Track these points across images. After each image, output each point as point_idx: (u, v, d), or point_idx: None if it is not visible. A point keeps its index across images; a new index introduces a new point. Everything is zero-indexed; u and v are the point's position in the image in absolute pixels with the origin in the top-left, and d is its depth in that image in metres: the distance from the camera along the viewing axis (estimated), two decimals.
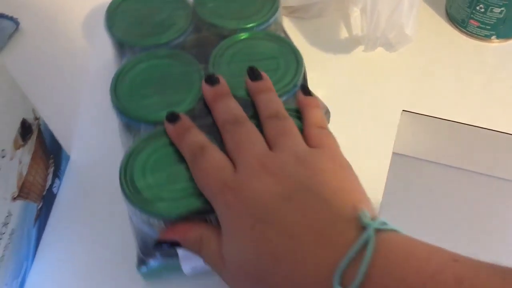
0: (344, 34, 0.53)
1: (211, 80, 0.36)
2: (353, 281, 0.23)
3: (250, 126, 0.33)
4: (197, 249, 0.31)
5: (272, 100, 0.35)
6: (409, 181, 0.54)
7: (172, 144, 0.35)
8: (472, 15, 0.50)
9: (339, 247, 0.25)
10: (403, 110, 0.47)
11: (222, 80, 0.37)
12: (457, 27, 0.52)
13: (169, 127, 0.35)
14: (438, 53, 0.51)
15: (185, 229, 0.32)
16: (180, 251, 0.34)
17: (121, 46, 0.42)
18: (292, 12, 0.53)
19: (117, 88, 0.38)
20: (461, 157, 0.52)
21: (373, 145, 0.45)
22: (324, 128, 0.35)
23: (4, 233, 0.34)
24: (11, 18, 0.52)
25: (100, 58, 0.51)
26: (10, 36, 0.52)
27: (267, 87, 0.36)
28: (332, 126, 0.38)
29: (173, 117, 0.35)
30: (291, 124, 0.34)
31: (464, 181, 0.54)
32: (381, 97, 0.48)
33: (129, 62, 0.40)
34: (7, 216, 0.34)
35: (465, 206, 0.56)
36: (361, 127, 0.46)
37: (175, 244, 0.32)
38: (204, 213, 0.32)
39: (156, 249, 0.33)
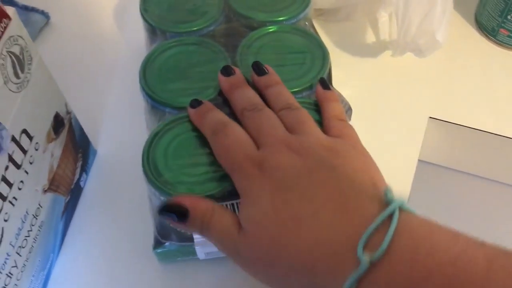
0: (371, 38, 0.53)
1: (227, 71, 0.37)
2: (377, 248, 0.23)
3: (269, 111, 0.33)
4: (207, 219, 0.30)
5: (282, 93, 0.35)
6: (435, 189, 0.54)
7: (195, 129, 0.36)
8: (502, 24, 0.49)
9: (363, 218, 0.24)
10: (430, 117, 0.47)
11: (237, 71, 0.37)
12: (486, 35, 0.52)
13: (192, 111, 0.35)
14: (466, 61, 0.51)
15: (196, 199, 0.31)
16: (196, 237, 0.34)
17: (153, 31, 0.43)
18: (320, 14, 0.53)
19: (146, 71, 0.39)
20: (488, 167, 0.52)
21: (398, 151, 0.44)
22: (344, 120, 0.34)
23: (34, 225, 0.35)
24: (42, 12, 0.53)
25: (129, 50, 0.52)
26: (41, 29, 0.52)
27: (275, 81, 0.36)
28: (356, 129, 0.38)
29: (196, 103, 0.36)
30: (306, 113, 0.34)
31: (490, 191, 0.54)
32: (407, 102, 0.48)
33: (159, 46, 0.41)
34: (37, 208, 0.35)
35: (491, 216, 0.56)
36: (386, 132, 0.46)
37: (182, 213, 0.30)
38: (223, 199, 0.33)
39: (161, 216, 0.31)
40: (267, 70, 0.37)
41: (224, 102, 0.38)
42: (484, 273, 0.21)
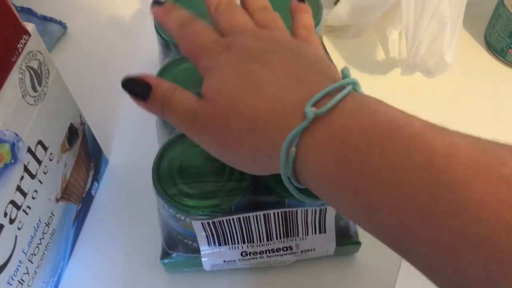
0: (381, 55, 0.54)
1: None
2: (324, 106, 0.24)
3: (242, 10, 0.34)
4: (168, 95, 0.30)
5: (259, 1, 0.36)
6: None
7: None
8: (511, 45, 0.50)
9: (318, 87, 0.25)
10: None
11: None
12: (495, 55, 0.52)
13: (155, 8, 0.35)
14: (475, 81, 0.51)
15: (160, 79, 0.32)
16: (203, 248, 0.35)
17: (167, 45, 0.44)
18: (331, 31, 0.54)
19: None
20: None
21: None
22: (312, 30, 0.35)
23: (46, 233, 0.36)
24: (59, 22, 0.54)
25: (143, 61, 0.53)
26: (58, 39, 0.54)
27: None
28: None
29: (158, 2, 0.35)
30: (279, 16, 0.34)
31: None
32: None
33: (172, 61, 0.41)
34: (50, 216, 0.36)
35: None
36: None
37: (145, 89, 0.31)
38: (230, 213, 0.34)
39: (124, 89, 0.32)
40: None
41: None
42: (416, 130, 0.22)
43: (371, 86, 0.52)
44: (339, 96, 0.24)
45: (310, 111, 0.24)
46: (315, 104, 0.25)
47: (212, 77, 0.29)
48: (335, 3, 0.52)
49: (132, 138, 0.48)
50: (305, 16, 0.35)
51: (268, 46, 0.29)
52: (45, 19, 0.54)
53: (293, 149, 0.25)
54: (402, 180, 0.21)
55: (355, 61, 0.53)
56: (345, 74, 0.27)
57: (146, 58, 0.52)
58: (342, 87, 0.25)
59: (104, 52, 0.54)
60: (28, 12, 0.54)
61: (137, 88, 0.31)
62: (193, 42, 0.32)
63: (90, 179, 0.42)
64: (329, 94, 0.25)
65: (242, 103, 0.27)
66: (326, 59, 0.32)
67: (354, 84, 0.26)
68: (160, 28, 0.44)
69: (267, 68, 0.28)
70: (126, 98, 0.51)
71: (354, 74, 0.52)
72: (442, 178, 0.20)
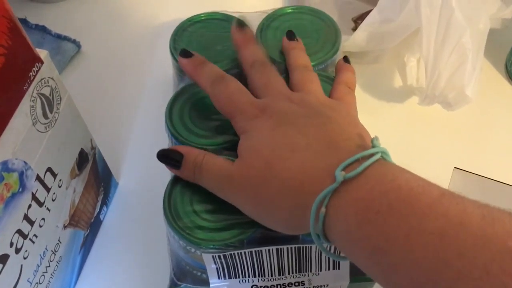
0: (398, 82, 0.53)
1: (240, 24, 0.39)
2: (353, 171, 0.26)
3: (277, 72, 0.36)
4: (199, 160, 0.33)
5: (302, 56, 0.39)
6: None
7: None
8: None
9: (348, 154, 0.27)
10: (455, 167, 0.46)
11: (248, 26, 0.40)
12: None
13: (183, 61, 0.37)
14: (495, 111, 0.50)
15: (190, 148, 0.35)
16: (212, 280, 0.34)
17: (181, 69, 0.43)
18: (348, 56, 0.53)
19: (172, 110, 0.39)
20: None
21: None
22: (353, 89, 0.38)
23: (52, 261, 0.35)
24: (73, 41, 0.54)
25: (156, 84, 0.52)
26: (72, 58, 0.54)
27: (300, 47, 0.40)
28: None
29: (187, 53, 0.37)
30: (316, 77, 0.37)
31: None
32: (433, 151, 0.47)
33: (186, 86, 0.41)
34: (57, 244, 0.35)
35: None
36: None
37: (177, 159, 0.34)
38: (242, 247, 0.33)
39: (160, 159, 0.35)
40: (298, 39, 0.40)
41: None
42: (433, 198, 0.24)
43: (388, 113, 0.51)
44: (367, 163, 0.26)
45: (340, 174, 0.26)
46: (345, 169, 0.27)
47: (249, 139, 0.32)
48: (353, 30, 0.52)
49: (142, 161, 0.47)
50: (348, 74, 0.39)
51: (302, 111, 0.32)
52: (59, 37, 0.54)
53: (323, 209, 0.27)
54: (417, 244, 0.23)
55: (372, 87, 0.52)
56: (374, 143, 0.28)
57: (160, 80, 0.52)
58: (371, 154, 0.27)
59: (117, 72, 0.54)
60: (43, 30, 0.54)
61: (170, 158, 0.34)
62: (228, 101, 0.34)
63: (99, 203, 0.41)
64: (358, 160, 0.27)
65: (277, 165, 0.29)
66: (358, 120, 0.34)
67: (383, 153, 0.28)
68: (175, 51, 0.43)
69: (300, 133, 0.30)
70: (138, 120, 0.51)
71: (371, 101, 0.51)
72: (453, 245, 0.22)
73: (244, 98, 0.34)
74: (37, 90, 0.29)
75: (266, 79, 0.35)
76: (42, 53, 0.29)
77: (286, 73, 0.41)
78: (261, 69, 0.36)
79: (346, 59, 0.41)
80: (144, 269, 0.41)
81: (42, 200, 0.32)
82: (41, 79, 0.30)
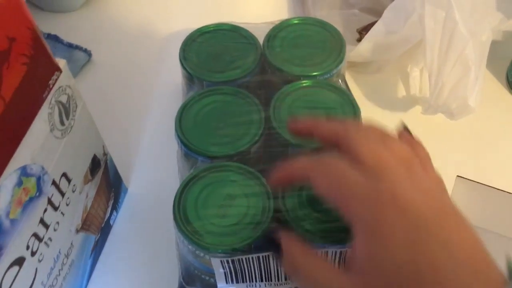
0: (401, 92, 0.54)
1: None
2: None
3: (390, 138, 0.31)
4: (299, 262, 0.29)
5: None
6: None
7: (226, 180, 0.36)
8: None
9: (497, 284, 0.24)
10: (458, 176, 0.47)
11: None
12: None
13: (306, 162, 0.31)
14: (496, 121, 0.51)
15: (290, 242, 0.30)
16: (220, 285, 0.35)
17: (191, 78, 0.44)
18: (352, 66, 0.54)
19: (182, 118, 0.40)
20: None
21: None
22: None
23: (65, 264, 0.36)
24: (85, 50, 0.55)
25: (166, 91, 0.53)
26: (83, 66, 0.55)
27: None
28: None
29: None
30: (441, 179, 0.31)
31: None
32: (435, 159, 0.48)
33: (195, 95, 0.42)
34: (69, 247, 0.36)
35: None
36: None
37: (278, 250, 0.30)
38: (249, 252, 0.33)
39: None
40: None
41: (255, 154, 0.39)
42: None
43: (392, 122, 0.52)
44: None
45: None
46: None
47: (374, 244, 0.26)
48: (358, 40, 0.53)
49: (152, 168, 0.48)
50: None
51: (434, 206, 0.26)
52: (70, 46, 0.55)
53: None
54: None
55: (376, 97, 0.53)
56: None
57: (169, 88, 0.53)
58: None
59: (128, 81, 0.55)
60: (55, 39, 0.55)
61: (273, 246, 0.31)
62: (338, 195, 0.28)
63: (109, 208, 0.42)
64: None
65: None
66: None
67: None
68: (184, 61, 0.45)
69: (441, 246, 0.25)
70: (147, 128, 0.52)
71: (375, 110, 0.52)
72: None
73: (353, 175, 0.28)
74: (55, 98, 0.31)
75: (375, 147, 0.29)
76: (61, 62, 0.31)
77: (287, 82, 0.42)
78: (365, 134, 0.30)
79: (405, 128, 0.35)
80: (152, 273, 0.41)
81: (57, 205, 0.33)
82: (59, 87, 0.31)
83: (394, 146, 0.29)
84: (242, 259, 0.34)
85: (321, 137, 0.32)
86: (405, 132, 0.34)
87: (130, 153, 0.49)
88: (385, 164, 0.28)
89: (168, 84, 0.53)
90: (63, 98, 0.32)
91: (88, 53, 0.55)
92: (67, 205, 0.34)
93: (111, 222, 0.43)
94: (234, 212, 0.35)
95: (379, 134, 0.31)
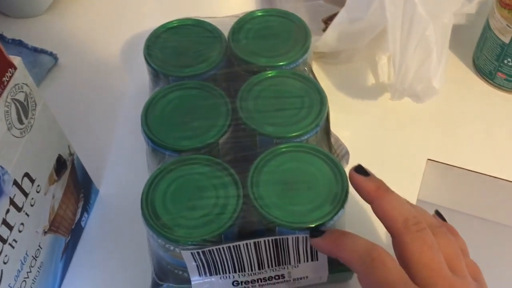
0: (371, 80, 0.54)
1: (364, 171, 0.35)
2: None
3: (432, 235, 0.31)
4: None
5: (408, 206, 0.32)
6: None
7: (194, 173, 0.36)
8: (499, 68, 0.50)
9: None
10: (428, 159, 0.47)
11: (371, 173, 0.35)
12: (484, 78, 0.53)
13: (318, 241, 0.33)
14: (464, 104, 0.52)
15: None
16: (193, 278, 0.35)
17: (156, 75, 0.44)
18: (321, 57, 0.54)
19: (147, 114, 0.40)
20: (485, 208, 0.52)
21: (397, 191, 0.44)
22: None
23: (33, 266, 0.35)
24: (50, 54, 0.54)
25: (134, 91, 0.53)
26: (49, 70, 0.54)
27: (384, 186, 0.34)
28: None
29: (317, 233, 0.33)
30: (451, 237, 0.32)
31: (488, 232, 0.54)
32: (406, 144, 0.48)
33: (161, 90, 0.42)
34: (37, 249, 0.35)
35: (489, 257, 0.55)
36: (385, 173, 0.46)
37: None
38: (219, 242, 0.33)
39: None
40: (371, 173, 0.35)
41: (224, 146, 0.39)
42: None
43: (362, 110, 0.53)
44: None
45: None
46: None
47: None
48: (324, 30, 0.53)
49: (123, 168, 0.48)
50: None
51: None
52: (36, 50, 0.54)
53: None
54: None
55: (345, 87, 0.53)
56: None
57: (138, 88, 0.52)
58: None
59: (95, 83, 0.54)
60: (19, 44, 0.55)
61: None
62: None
63: (79, 210, 0.42)
64: None
65: None
66: None
67: None
68: (149, 57, 0.44)
69: None
70: (117, 129, 0.51)
71: (345, 99, 0.53)
72: None
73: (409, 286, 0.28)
74: (12, 96, 0.30)
75: (429, 258, 0.29)
76: (15, 60, 0.30)
77: (253, 73, 0.42)
78: (418, 236, 0.30)
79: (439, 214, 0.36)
80: (126, 272, 0.41)
81: (20, 205, 0.32)
82: (15, 85, 0.30)
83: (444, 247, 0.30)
84: (213, 250, 0.34)
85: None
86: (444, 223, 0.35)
87: (101, 154, 0.49)
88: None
89: (136, 84, 0.53)
90: (20, 96, 0.31)
91: (54, 56, 0.54)
92: (32, 206, 0.34)
93: (82, 224, 0.43)
94: (203, 204, 0.35)
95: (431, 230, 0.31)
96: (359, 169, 0.35)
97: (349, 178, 0.35)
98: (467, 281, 0.30)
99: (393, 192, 0.34)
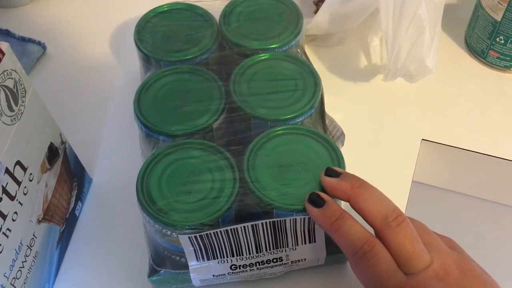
0: (363, 62, 0.54)
1: (334, 172, 0.34)
2: None
3: (411, 224, 0.32)
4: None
5: (384, 199, 0.33)
6: (429, 209, 0.54)
7: (188, 157, 0.36)
8: (492, 46, 0.50)
9: None
10: (423, 139, 0.47)
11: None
12: (476, 57, 0.53)
13: (316, 212, 0.33)
14: (457, 83, 0.51)
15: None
16: (191, 263, 0.35)
17: (147, 60, 0.43)
18: (313, 40, 0.54)
19: (140, 100, 0.40)
20: (481, 187, 0.52)
21: (392, 172, 0.45)
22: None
23: (28, 256, 0.35)
24: (38, 43, 0.53)
25: (125, 78, 0.52)
26: (37, 59, 0.53)
27: (358, 182, 0.33)
28: (350, 152, 0.38)
29: (318, 199, 0.33)
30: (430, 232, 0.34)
31: (484, 211, 0.54)
32: (400, 125, 0.48)
33: (153, 75, 0.41)
34: (32, 238, 0.35)
35: (485, 235, 0.56)
36: (380, 154, 0.46)
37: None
38: (216, 226, 0.33)
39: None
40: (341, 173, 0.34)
41: (218, 130, 0.38)
42: None
43: (356, 92, 0.52)
44: None
45: None
46: None
47: None
48: (315, 12, 0.53)
49: (116, 156, 0.47)
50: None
51: None
52: (23, 40, 0.54)
53: None
54: None
55: (338, 69, 0.53)
56: None
57: (129, 75, 0.52)
58: None
59: (85, 71, 0.54)
60: (6, 34, 0.54)
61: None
62: (374, 284, 0.32)
63: (73, 199, 0.41)
64: None
65: None
66: None
67: None
68: (140, 42, 0.44)
69: None
70: (109, 117, 0.51)
71: (338, 82, 0.52)
72: None
73: (395, 278, 0.31)
74: (0, 82, 0.29)
75: (411, 249, 0.31)
76: (3, 45, 0.29)
77: (246, 57, 0.42)
78: (398, 229, 0.31)
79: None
80: (123, 260, 0.41)
81: (13, 194, 0.32)
82: (4, 71, 0.30)
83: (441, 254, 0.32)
84: (210, 234, 0.33)
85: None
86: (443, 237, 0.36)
87: (93, 143, 0.48)
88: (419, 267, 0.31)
89: (128, 71, 0.52)
90: (9, 83, 0.31)
91: (42, 45, 0.54)
92: (25, 194, 0.33)
93: (76, 213, 0.42)
94: (199, 188, 0.35)
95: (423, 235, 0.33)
96: (329, 172, 0.34)
97: (322, 183, 0.34)
98: (445, 251, 0.32)
99: (368, 186, 0.33)
